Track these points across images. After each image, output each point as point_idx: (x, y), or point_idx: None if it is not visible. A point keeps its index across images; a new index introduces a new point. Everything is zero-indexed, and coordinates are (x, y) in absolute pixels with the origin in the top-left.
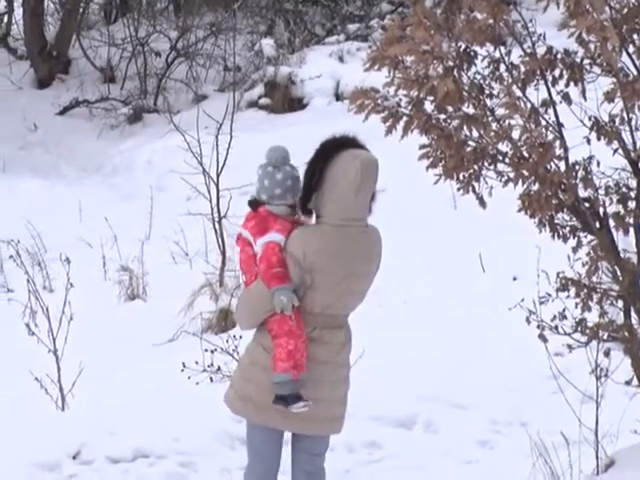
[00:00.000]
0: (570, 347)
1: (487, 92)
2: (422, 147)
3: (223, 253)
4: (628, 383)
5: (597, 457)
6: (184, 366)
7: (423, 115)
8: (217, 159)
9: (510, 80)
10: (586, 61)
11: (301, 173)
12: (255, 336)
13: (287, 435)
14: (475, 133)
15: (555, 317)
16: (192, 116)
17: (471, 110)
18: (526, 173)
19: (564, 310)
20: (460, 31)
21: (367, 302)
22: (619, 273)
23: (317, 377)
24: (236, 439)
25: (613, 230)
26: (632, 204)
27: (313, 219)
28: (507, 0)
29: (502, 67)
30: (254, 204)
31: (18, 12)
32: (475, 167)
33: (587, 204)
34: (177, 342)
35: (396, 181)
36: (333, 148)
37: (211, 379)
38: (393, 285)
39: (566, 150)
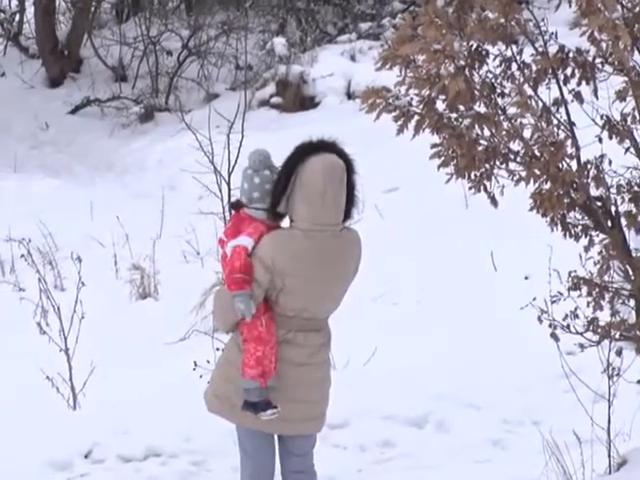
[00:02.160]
0: (582, 346)
1: (498, 91)
2: (433, 146)
3: None
4: None
5: (609, 456)
6: (196, 365)
7: (434, 114)
8: (228, 158)
9: (522, 79)
10: (598, 60)
11: None
12: (232, 334)
13: None
14: (487, 132)
15: (567, 316)
16: (203, 115)
17: (483, 109)
18: (538, 172)
19: (576, 309)
20: (472, 30)
21: (380, 302)
22: (631, 272)
23: (294, 379)
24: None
25: (625, 229)
26: None
27: (285, 222)
28: None
29: (514, 66)
30: (235, 206)
31: (30, 11)
32: (486, 166)
33: (599, 203)
34: (188, 341)
35: (408, 180)
36: (305, 152)
37: None
38: (405, 284)
39: (578, 149)
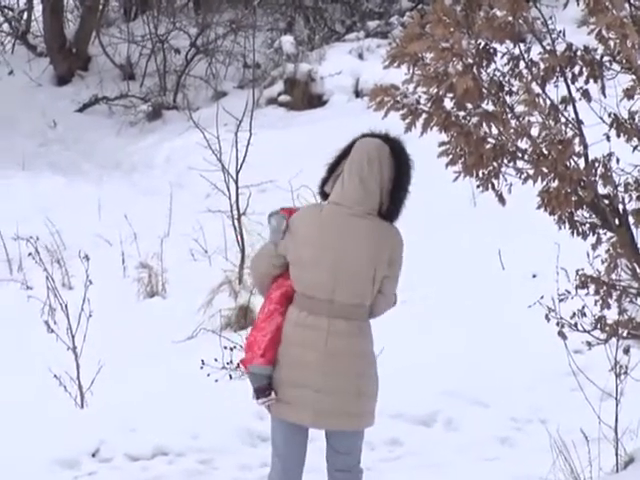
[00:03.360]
0: (589, 344)
1: (506, 89)
2: (441, 144)
3: (242, 250)
4: None
5: (617, 454)
6: (203, 363)
7: (442, 112)
8: (236, 156)
9: (530, 77)
10: (606, 58)
11: None
12: None
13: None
14: (494, 130)
15: (574, 314)
16: (211, 113)
17: (490, 107)
18: (545, 170)
19: (583, 307)
20: (479, 28)
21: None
22: (638, 270)
23: (314, 367)
24: (256, 436)
25: (633, 227)
26: None
27: None
28: None
29: (522, 64)
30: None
31: (38, 9)
32: (494, 164)
33: (606, 201)
34: (196, 339)
35: (415, 178)
36: (359, 138)
37: (230, 376)
38: (413, 282)
39: (585, 147)
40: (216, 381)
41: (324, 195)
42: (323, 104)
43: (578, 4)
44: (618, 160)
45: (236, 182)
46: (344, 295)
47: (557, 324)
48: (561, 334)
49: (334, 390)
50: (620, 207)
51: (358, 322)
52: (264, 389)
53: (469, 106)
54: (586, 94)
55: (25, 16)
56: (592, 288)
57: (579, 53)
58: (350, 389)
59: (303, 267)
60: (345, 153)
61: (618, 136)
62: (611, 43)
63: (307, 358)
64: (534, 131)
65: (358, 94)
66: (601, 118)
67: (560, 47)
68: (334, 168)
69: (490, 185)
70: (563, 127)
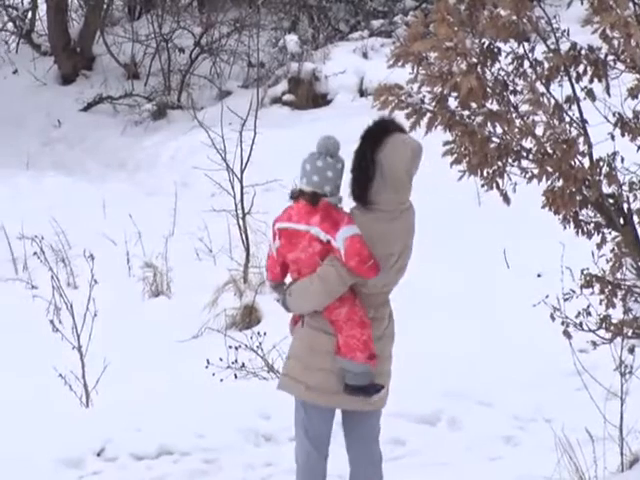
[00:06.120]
0: (594, 344)
1: (511, 88)
2: (446, 143)
3: (247, 249)
4: None
5: (622, 454)
6: (208, 363)
7: (447, 111)
8: (241, 155)
9: (534, 76)
10: (610, 57)
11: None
12: (307, 324)
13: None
14: (499, 129)
15: (579, 314)
16: (216, 112)
17: (495, 106)
18: (550, 169)
19: (588, 307)
20: (483, 27)
21: (392, 297)
22: None
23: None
24: (261, 435)
25: (637, 226)
26: None
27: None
28: None
29: (526, 63)
30: (316, 198)
31: (42, 8)
32: (499, 163)
33: (611, 200)
34: (201, 339)
35: (420, 177)
36: (377, 135)
37: (235, 376)
38: (417, 281)
39: (590, 146)
40: (221, 380)
41: (365, 202)
42: (327, 103)
43: (582, 3)
44: (623, 159)
45: (241, 181)
46: (397, 284)
47: (562, 323)
48: (566, 333)
49: (383, 371)
50: (625, 206)
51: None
52: (374, 383)
53: (473, 105)
54: (590, 93)
55: (29, 15)
56: (597, 287)
57: (583, 52)
58: (388, 368)
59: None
60: (372, 154)
61: (623, 135)
62: (615, 42)
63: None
64: (538, 130)
65: (362, 93)
66: (605, 117)
67: (564, 46)
68: (371, 172)
69: (495, 184)
70: (567, 126)
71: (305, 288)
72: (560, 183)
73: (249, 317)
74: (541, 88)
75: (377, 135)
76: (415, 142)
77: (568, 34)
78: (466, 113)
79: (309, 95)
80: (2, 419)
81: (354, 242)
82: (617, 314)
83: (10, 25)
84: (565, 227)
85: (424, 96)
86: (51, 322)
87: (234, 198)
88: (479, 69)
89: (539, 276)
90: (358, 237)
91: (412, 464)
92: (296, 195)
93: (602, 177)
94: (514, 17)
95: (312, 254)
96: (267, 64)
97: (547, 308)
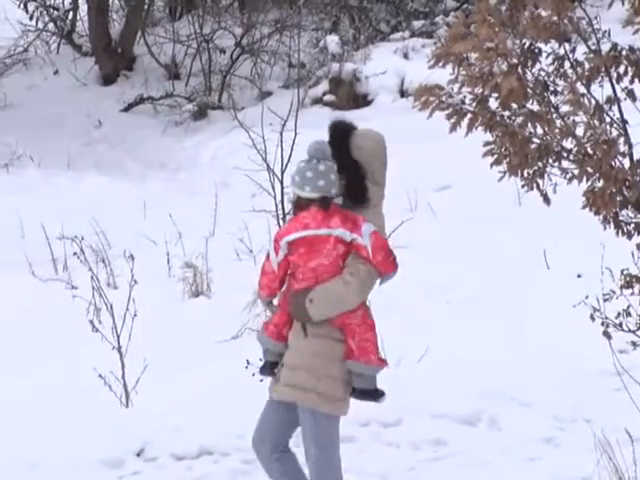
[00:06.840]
0: (634, 344)
1: (551, 89)
2: (486, 144)
3: None
4: None
5: None
6: (248, 363)
7: (487, 112)
8: (281, 156)
9: (574, 77)
10: None
11: None
12: (324, 333)
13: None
14: (539, 130)
15: (619, 314)
16: (256, 113)
17: (535, 107)
18: (590, 170)
19: (628, 307)
20: (524, 28)
21: (432, 299)
22: None
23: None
24: (299, 435)
25: None
26: None
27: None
28: None
29: (566, 64)
30: (327, 202)
31: (83, 9)
32: (539, 164)
33: None
34: (241, 339)
35: (461, 178)
36: (344, 136)
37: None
38: (458, 282)
39: (630, 147)
40: (261, 381)
41: (366, 202)
42: (368, 104)
43: (623, 4)
44: None
45: (281, 182)
46: None
47: (602, 324)
48: (606, 334)
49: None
50: None
51: None
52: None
53: (514, 106)
54: (631, 94)
55: (70, 16)
56: (637, 288)
57: (624, 53)
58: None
59: None
60: (350, 154)
61: None
62: None
63: None
64: (579, 131)
65: (403, 94)
66: None
67: (605, 47)
68: (364, 173)
69: (535, 185)
70: (608, 127)
71: (335, 291)
72: (600, 184)
73: None
74: (582, 89)
75: (341, 138)
76: (373, 132)
77: (609, 35)
78: (507, 114)
79: (350, 96)
80: (42, 419)
81: (378, 237)
82: None
83: (51, 26)
84: (605, 228)
85: (465, 97)
86: (91, 322)
87: (274, 198)
88: (520, 70)
89: (579, 276)
90: (378, 232)
91: (452, 465)
92: (303, 204)
93: None
94: (555, 18)
95: (336, 257)
96: (308, 65)
97: (587, 309)
